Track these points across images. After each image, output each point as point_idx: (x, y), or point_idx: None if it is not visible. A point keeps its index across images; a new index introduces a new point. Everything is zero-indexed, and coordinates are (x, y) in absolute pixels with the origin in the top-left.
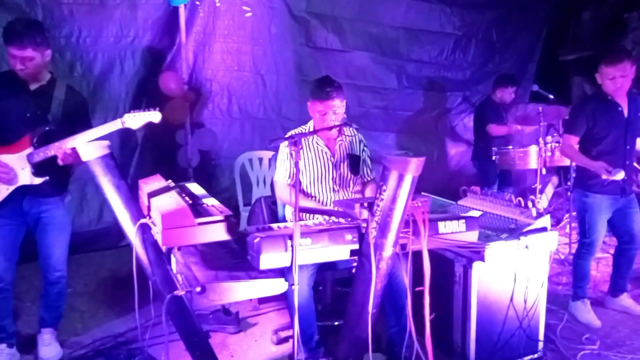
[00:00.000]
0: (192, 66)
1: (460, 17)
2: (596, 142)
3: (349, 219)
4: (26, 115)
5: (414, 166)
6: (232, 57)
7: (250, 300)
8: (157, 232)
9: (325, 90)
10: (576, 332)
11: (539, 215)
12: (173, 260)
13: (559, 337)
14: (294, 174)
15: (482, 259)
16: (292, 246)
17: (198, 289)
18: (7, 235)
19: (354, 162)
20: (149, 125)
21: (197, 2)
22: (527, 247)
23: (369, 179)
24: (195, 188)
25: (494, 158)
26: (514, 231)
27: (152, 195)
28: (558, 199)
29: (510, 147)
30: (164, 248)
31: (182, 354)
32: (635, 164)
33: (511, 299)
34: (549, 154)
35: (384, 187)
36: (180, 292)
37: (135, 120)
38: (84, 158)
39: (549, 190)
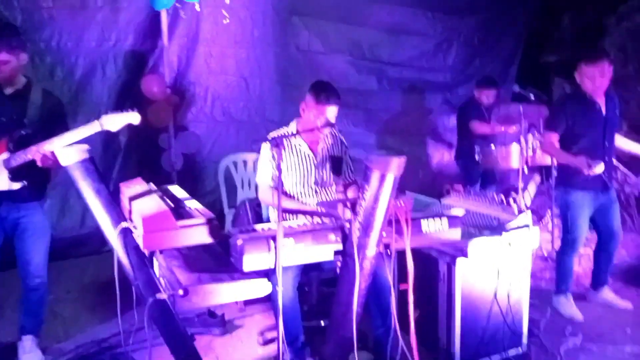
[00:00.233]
0: (175, 70)
1: (442, 21)
2: (575, 139)
3: (333, 219)
4: (1, 119)
5: (395, 166)
6: (216, 60)
7: (236, 302)
8: (138, 236)
9: (327, 95)
10: (559, 326)
11: (521, 212)
12: (155, 263)
13: (543, 332)
14: (276, 176)
15: (465, 256)
16: (275, 247)
17: (181, 292)
18: None
19: (336, 163)
20: (132, 129)
21: (178, 5)
22: (509, 243)
23: (350, 180)
24: (177, 191)
25: (476, 157)
26: (497, 228)
27: (133, 198)
28: (541, 197)
29: (493, 146)
30: (146, 252)
31: (167, 357)
32: (614, 161)
33: (495, 295)
34: (530, 153)
35: (366, 187)
36: (162, 296)
37: (114, 121)
38: (62, 163)
39: (532, 188)
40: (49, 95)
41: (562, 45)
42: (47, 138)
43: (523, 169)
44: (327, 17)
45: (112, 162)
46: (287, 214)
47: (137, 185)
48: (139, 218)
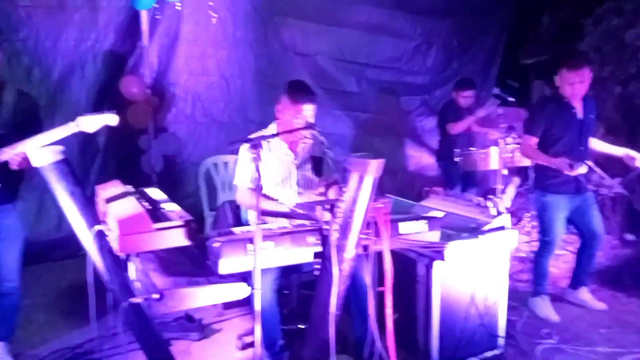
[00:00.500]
0: (155, 70)
1: (421, 23)
2: (553, 143)
3: (312, 221)
4: None
5: (374, 168)
6: (196, 61)
7: (215, 306)
8: (113, 239)
9: (302, 94)
10: (536, 327)
11: (499, 214)
12: (131, 267)
13: (520, 333)
14: (255, 178)
15: (442, 258)
16: (253, 250)
17: (156, 295)
18: None
19: (317, 164)
20: (111, 130)
21: (156, 5)
22: (487, 245)
23: (331, 180)
24: (155, 193)
25: (457, 159)
26: (475, 230)
27: (109, 201)
28: (519, 199)
29: (473, 148)
30: (122, 255)
31: None
32: (590, 163)
33: (472, 297)
34: (509, 155)
35: (344, 189)
36: (137, 300)
37: (91, 123)
38: (34, 164)
39: (511, 190)
40: (24, 96)
41: (541, 47)
42: (21, 139)
43: (502, 171)
44: (308, 17)
45: (90, 164)
46: (266, 216)
47: (113, 188)
48: (114, 221)
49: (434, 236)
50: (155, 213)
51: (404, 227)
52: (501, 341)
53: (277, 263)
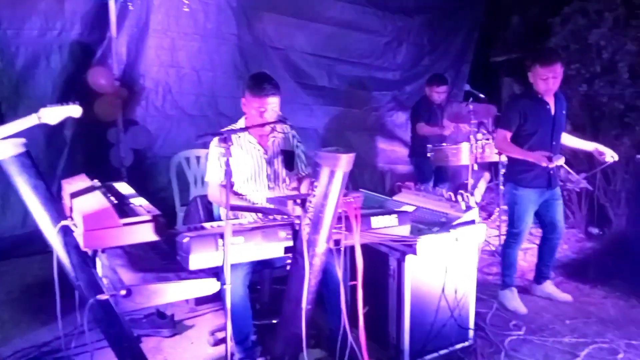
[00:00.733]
0: (124, 61)
1: (392, 20)
2: (526, 138)
3: (283, 216)
4: None
5: (345, 162)
6: (167, 52)
7: (187, 302)
8: (78, 234)
9: (263, 86)
10: (504, 319)
11: (468, 208)
12: (98, 263)
13: (489, 325)
14: (225, 174)
15: (414, 252)
16: (223, 245)
17: (123, 292)
18: None
19: (288, 158)
20: (79, 123)
21: None
22: (456, 239)
23: (303, 174)
24: (123, 187)
25: (429, 155)
26: (445, 224)
27: (74, 195)
28: (490, 194)
29: (445, 144)
30: (89, 251)
31: None
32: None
33: (443, 290)
34: (479, 150)
35: (315, 184)
36: (103, 296)
37: (53, 114)
38: None
39: (482, 185)
40: None
41: (510, 45)
42: None
43: (473, 166)
44: (281, 11)
45: (57, 158)
46: (238, 212)
47: (79, 182)
48: (79, 216)
49: (404, 230)
50: (123, 208)
51: (376, 221)
52: (471, 333)
53: (248, 258)
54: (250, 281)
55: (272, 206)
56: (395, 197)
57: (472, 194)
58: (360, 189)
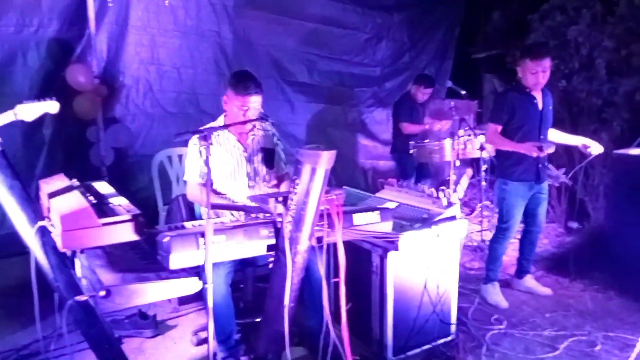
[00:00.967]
0: (104, 58)
1: (372, 17)
2: (514, 132)
3: (265, 214)
4: None
5: (326, 159)
6: (147, 49)
7: (170, 301)
8: (56, 235)
9: (246, 85)
10: (486, 314)
11: (450, 204)
12: (77, 264)
13: (471, 319)
14: (204, 172)
15: (396, 248)
16: (204, 244)
17: (102, 292)
18: None
19: (268, 155)
20: (58, 121)
21: None
22: (438, 235)
23: (283, 172)
24: (102, 187)
25: (411, 151)
26: (427, 220)
27: (52, 195)
28: (472, 190)
29: (427, 140)
30: (68, 252)
31: None
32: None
33: (425, 286)
34: (461, 146)
35: (297, 181)
36: (82, 298)
37: (29, 111)
38: None
39: (464, 181)
40: None
41: (491, 41)
42: None
43: (455, 162)
44: (262, 8)
45: (36, 157)
46: (219, 211)
47: (57, 181)
48: (57, 216)
49: (386, 227)
50: (102, 207)
51: (359, 218)
52: (453, 328)
53: (230, 257)
54: (233, 280)
55: (253, 204)
56: (377, 194)
57: (454, 190)
58: (344, 186)
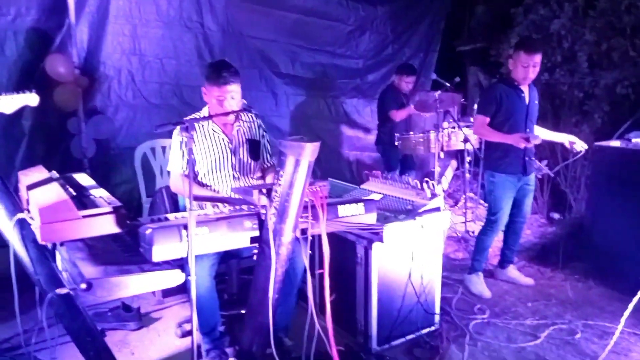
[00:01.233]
0: (85, 49)
1: (355, 9)
2: (500, 125)
3: (249, 206)
4: None
5: (310, 151)
6: (129, 39)
7: (154, 294)
8: (36, 228)
9: (222, 74)
10: (469, 303)
11: (433, 196)
12: (58, 256)
13: (454, 309)
14: (188, 163)
15: (381, 239)
16: (187, 236)
17: (83, 285)
18: None
19: (254, 147)
20: (37, 113)
21: None
22: (422, 226)
23: (269, 164)
24: (83, 179)
25: (396, 143)
26: (411, 212)
27: (31, 187)
28: (457, 181)
29: (412, 132)
30: (49, 245)
31: (76, 355)
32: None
33: (409, 276)
34: (445, 138)
35: (281, 173)
36: (63, 291)
37: (8, 103)
38: None
39: (449, 173)
40: None
41: (475, 34)
42: None
43: (439, 154)
44: None
45: (15, 149)
46: (203, 202)
47: (36, 173)
48: (36, 208)
49: (371, 218)
50: (82, 199)
51: (343, 210)
52: (437, 318)
53: (213, 249)
54: (218, 272)
55: (237, 196)
56: (362, 186)
57: (439, 182)
58: (329, 178)
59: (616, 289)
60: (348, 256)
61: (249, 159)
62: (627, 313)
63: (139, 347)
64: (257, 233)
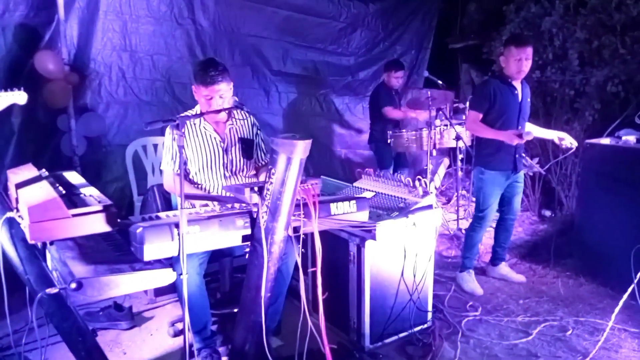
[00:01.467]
0: (75, 45)
1: (346, 7)
2: (493, 121)
3: (242, 205)
4: None
5: (302, 148)
6: (119, 36)
7: (146, 293)
8: (25, 227)
9: (209, 74)
10: (461, 301)
11: (425, 193)
12: (48, 256)
13: (447, 307)
14: (180, 161)
15: (373, 237)
16: (178, 235)
17: (73, 285)
18: None
19: (247, 146)
20: (27, 110)
21: None
22: (414, 224)
23: (263, 163)
24: (73, 177)
25: (389, 141)
26: (403, 210)
27: (19, 186)
28: (449, 179)
29: (404, 130)
30: (39, 244)
31: (67, 355)
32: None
33: (402, 274)
34: (438, 136)
35: (273, 171)
36: (53, 290)
37: None
38: None
39: (441, 170)
40: None
41: (467, 32)
42: None
43: (431, 152)
44: None
45: (4, 147)
46: (195, 201)
47: (25, 172)
48: (25, 207)
49: (363, 216)
50: (72, 198)
51: (336, 207)
52: (429, 316)
53: (205, 247)
54: (211, 270)
55: (229, 194)
56: (355, 183)
57: (431, 180)
58: (321, 176)
59: (607, 285)
60: (340, 254)
61: (242, 158)
62: (617, 309)
63: (131, 346)
64: (249, 231)
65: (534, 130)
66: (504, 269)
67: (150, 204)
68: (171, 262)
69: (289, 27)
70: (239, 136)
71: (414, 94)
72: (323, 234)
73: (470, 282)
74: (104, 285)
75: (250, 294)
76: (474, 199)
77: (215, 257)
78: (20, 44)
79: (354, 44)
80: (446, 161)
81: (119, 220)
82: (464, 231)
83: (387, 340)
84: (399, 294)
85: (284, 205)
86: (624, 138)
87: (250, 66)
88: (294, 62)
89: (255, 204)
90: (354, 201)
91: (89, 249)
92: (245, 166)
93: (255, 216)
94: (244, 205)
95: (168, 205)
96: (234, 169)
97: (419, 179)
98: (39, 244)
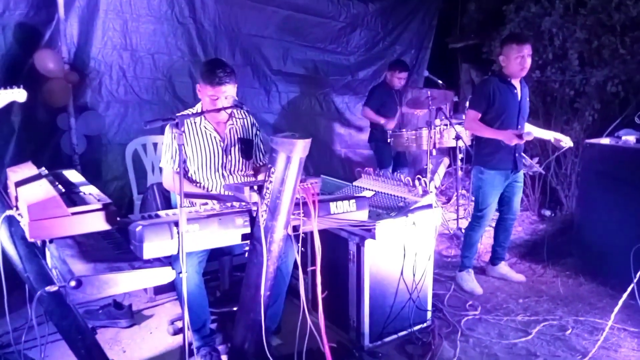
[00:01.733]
0: (75, 44)
1: (346, 6)
2: (492, 121)
3: (240, 203)
4: None
5: (301, 147)
6: (119, 34)
7: (146, 291)
8: (24, 225)
9: (217, 74)
10: (461, 300)
11: (425, 193)
12: (48, 254)
13: (446, 306)
14: (179, 160)
15: (373, 236)
16: (178, 233)
17: (72, 283)
18: None
19: (246, 146)
20: (27, 109)
21: None
22: (414, 223)
23: (261, 163)
24: (72, 175)
25: (389, 140)
26: (403, 209)
27: (19, 184)
28: (449, 178)
29: (404, 130)
30: (38, 242)
31: (67, 353)
32: None
33: (401, 273)
34: (438, 136)
35: (272, 170)
36: (52, 288)
37: None
38: None
39: (441, 170)
40: None
41: (467, 31)
42: None
43: (431, 152)
44: None
45: (4, 145)
46: (195, 200)
47: (25, 170)
48: (24, 205)
49: (362, 215)
50: (71, 196)
51: (335, 206)
52: (429, 315)
53: (204, 246)
54: (210, 269)
55: (228, 193)
56: (355, 183)
57: (431, 179)
58: (321, 175)
59: (606, 285)
60: (340, 253)
61: (241, 158)
62: (617, 309)
63: (131, 344)
64: (248, 230)
65: (532, 131)
66: (503, 268)
67: (149, 202)
68: (170, 261)
69: (289, 27)
70: (239, 136)
71: (414, 93)
72: (322, 232)
73: (470, 281)
74: (103, 283)
75: (249, 293)
76: (473, 199)
77: (215, 256)
78: (21, 43)
79: (353, 43)
80: (446, 160)
81: (118, 218)
82: (463, 230)
83: (387, 339)
84: (399, 293)
85: (283, 204)
86: (623, 138)
87: (251, 65)
88: (294, 61)
89: (255, 203)
90: (353, 200)
91: (89, 247)
92: (243, 166)
93: (254, 215)
94: (243, 204)
95: (168, 204)
96: (232, 168)
97: (419, 178)
98: (39, 242)
